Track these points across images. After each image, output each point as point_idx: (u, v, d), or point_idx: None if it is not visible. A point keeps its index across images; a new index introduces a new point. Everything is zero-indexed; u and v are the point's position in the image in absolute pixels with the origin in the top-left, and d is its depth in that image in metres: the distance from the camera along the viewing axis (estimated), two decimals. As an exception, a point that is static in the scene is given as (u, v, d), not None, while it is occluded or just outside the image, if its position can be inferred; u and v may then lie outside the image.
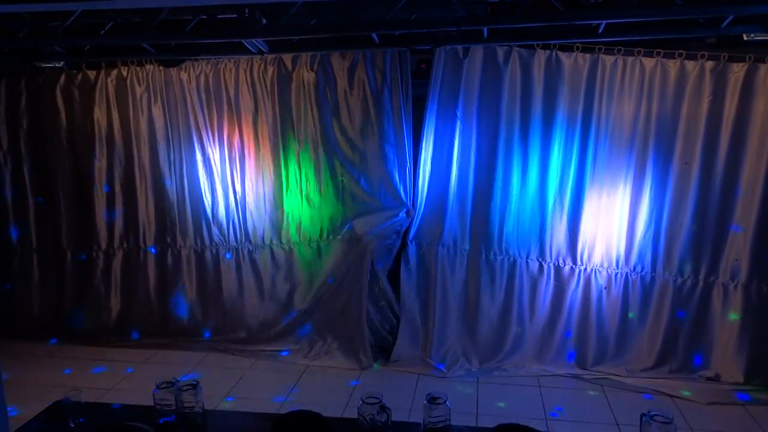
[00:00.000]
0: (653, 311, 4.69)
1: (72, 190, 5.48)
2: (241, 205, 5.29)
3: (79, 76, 5.26)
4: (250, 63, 4.99)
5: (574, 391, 4.57)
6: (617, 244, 4.71)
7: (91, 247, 5.52)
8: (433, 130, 4.82)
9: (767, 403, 4.31)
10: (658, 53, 4.37)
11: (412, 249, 5.03)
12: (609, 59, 4.46)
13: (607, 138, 4.57)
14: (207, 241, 5.38)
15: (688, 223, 4.53)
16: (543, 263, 4.87)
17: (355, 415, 2.48)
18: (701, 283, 4.59)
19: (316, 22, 4.24)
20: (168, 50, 4.88)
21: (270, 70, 4.98)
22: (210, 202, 5.32)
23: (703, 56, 4.30)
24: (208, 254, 5.40)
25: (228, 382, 4.68)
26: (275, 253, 5.32)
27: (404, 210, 4.97)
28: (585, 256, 4.78)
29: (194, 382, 2.54)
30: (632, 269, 4.70)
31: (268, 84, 5.02)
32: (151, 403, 2.54)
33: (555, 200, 4.75)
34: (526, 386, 4.62)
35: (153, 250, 5.48)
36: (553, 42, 4.45)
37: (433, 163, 4.89)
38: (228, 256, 5.38)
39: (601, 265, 4.76)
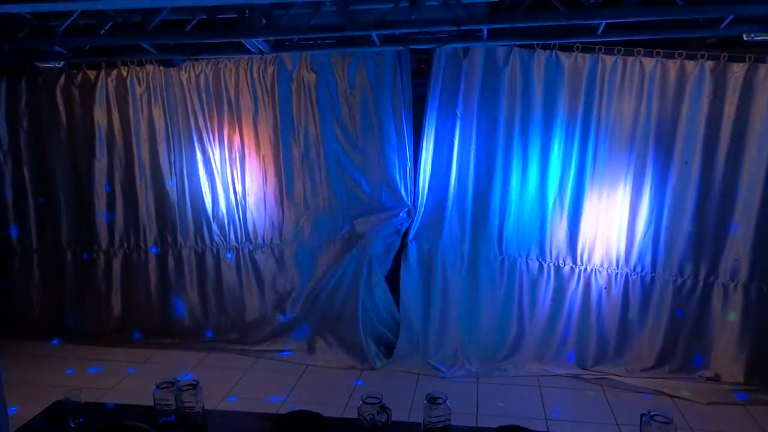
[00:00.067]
0: (653, 311, 4.69)
1: (72, 190, 5.49)
2: (242, 205, 5.29)
3: (79, 76, 5.26)
4: (250, 63, 4.99)
5: (574, 391, 4.57)
6: (617, 244, 4.71)
7: (92, 247, 5.52)
8: (433, 129, 4.82)
9: (767, 403, 4.31)
10: (658, 53, 4.37)
11: (412, 249, 5.03)
12: (609, 59, 4.46)
13: (607, 138, 4.57)
14: (207, 241, 5.38)
15: (688, 223, 4.53)
16: (543, 263, 4.87)
17: (355, 415, 2.48)
18: (701, 283, 4.59)
19: (316, 22, 4.24)
20: (168, 50, 4.88)
21: (270, 70, 4.99)
22: (210, 202, 5.32)
23: (703, 56, 4.30)
24: (208, 254, 5.40)
25: (228, 382, 4.68)
26: (276, 252, 5.32)
27: (405, 210, 4.98)
28: (585, 256, 4.78)
29: (194, 382, 2.54)
30: (632, 269, 4.70)
31: (268, 84, 5.02)
32: (151, 403, 2.54)
33: (555, 200, 4.75)
34: (526, 386, 4.62)
35: (153, 250, 5.48)
36: (553, 42, 4.45)
37: (433, 163, 4.89)
38: (228, 255, 5.38)
39: (601, 265, 4.76)
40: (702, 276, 4.58)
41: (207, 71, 5.08)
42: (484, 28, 4.25)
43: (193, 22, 4.22)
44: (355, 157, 5.03)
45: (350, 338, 4.98)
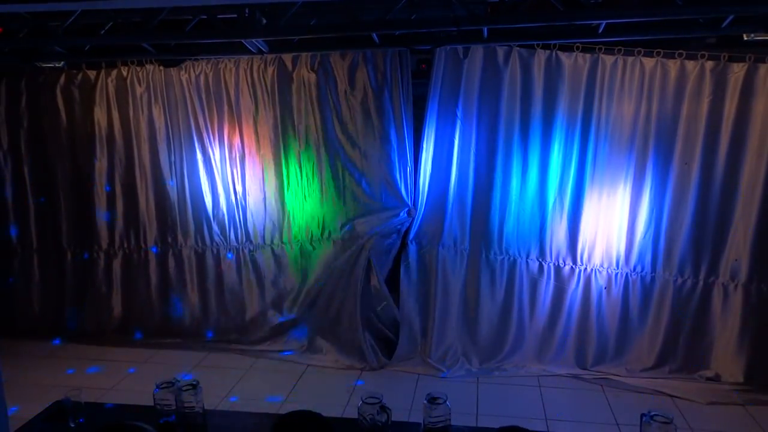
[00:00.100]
0: (653, 311, 4.69)
1: (72, 190, 5.48)
2: (242, 205, 5.29)
3: (79, 76, 5.26)
4: (250, 63, 4.99)
5: (574, 391, 4.57)
6: (617, 244, 4.71)
7: (92, 247, 5.52)
8: (433, 130, 4.82)
9: (767, 403, 4.31)
10: (658, 53, 4.37)
11: (412, 249, 5.03)
12: (609, 59, 4.46)
13: (607, 138, 4.57)
14: (208, 241, 5.38)
15: (688, 223, 4.52)
16: (543, 263, 4.87)
17: (355, 415, 2.48)
18: (701, 283, 4.59)
19: (316, 22, 4.24)
20: (168, 50, 4.88)
21: (270, 70, 4.98)
22: (211, 202, 5.32)
23: (703, 56, 4.30)
24: (209, 254, 5.40)
25: (228, 382, 4.68)
26: (276, 253, 5.32)
27: (405, 210, 4.98)
28: (585, 256, 4.78)
29: (194, 382, 2.54)
30: (632, 269, 4.70)
31: (268, 84, 5.02)
32: (151, 403, 2.54)
33: (555, 200, 4.75)
34: (526, 386, 4.62)
35: (154, 250, 5.48)
36: (553, 42, 4.45)
37: (433, 163, 4.89)
38: (229, 255, 5.38)
39: (601, 265, 4.76)
40: (702, 276, 4.58)
41: (207, 71, 5.08)
42: (484, 28, 4.26)
43: (193, 22, 4.22)
44: (355, 157, 5.03)
45: (350, 338, 4.98)
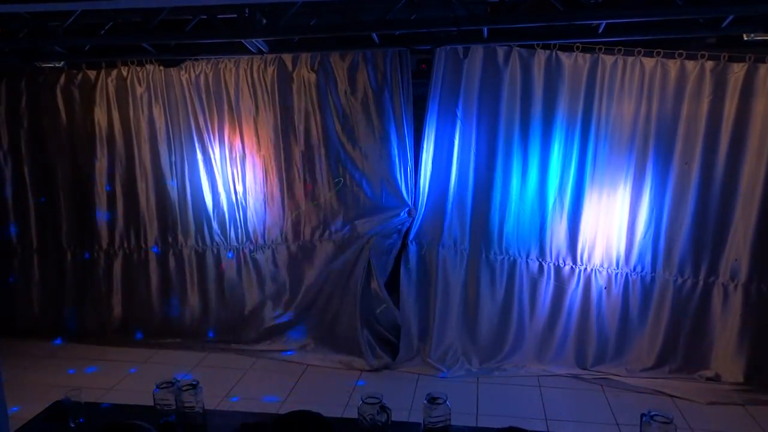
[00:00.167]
0: (653, 311, 4.69)
1: (72, 190, 5.48)
2: (242, 205, 5.29)
3: (79, 76, 5.26)
4: (250, 63, 4.99)
5: (574, 391, 4.57)
6: (617, 244, 4.71)
7: (92, 247, 5.52)
8: (433, 130, 4.82)
9: (767, 403, 4.31)
10: (658, 53, 4.37)
11: (412, 249, 5.03)
12: (609, 59, 4.46)
13: (607, 138, 4.57)
14: (208, 241, 5.38)
15: (688, 223, 4.52)
16: (543, 263, 4.86)
17: (355, 415, 2.48)
18: (701, 283, 4.59)
19: (316, 22, 4.24)
20: (168, 50, 4.88)
21: (270, 70, 4.98)
22: (211, 202, 5.32)
23: (703, 56, 4.30)
24: (209, 254, 5.40)
25: (228, 382, 4.68)
26: (276, 253, 5.32)
27: (406, 210, 4.97)
28: (585, 256, 4.78)
29: (194, 382, 2.54)
30: (632, 269, 4.70)
31: (268, 84, 5.02)
32: (151, 403, 2.54)
33: (555, 200, 4.75)
34: (526, 386, 4.62)
35: (154, 250, 5.48)
36: (553, 42, 4.45)
37: (433, 163, 4.89)
38: (229, 255, 5.38)
39: (601, 265, 4.76)
40: (702, 276, 4.58)
41: (207, 71, 5.08)
42: (484, 28, 4.26)
43: (193, 22, 4.22)
44: (355, 157, 5.03)
45: (350, 338, 4.98)
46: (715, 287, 4.57)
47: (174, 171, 5.32)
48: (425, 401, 2.45)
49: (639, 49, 4.39)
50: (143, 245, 5.47)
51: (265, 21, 4.12)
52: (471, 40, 4.50)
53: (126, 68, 5.18)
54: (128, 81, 5.19)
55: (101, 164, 5.37)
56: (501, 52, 4.60)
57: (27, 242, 5.62)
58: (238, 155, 5.21)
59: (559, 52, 4.51)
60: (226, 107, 5.13)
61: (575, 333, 4.84)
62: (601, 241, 4.74)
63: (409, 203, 4.98)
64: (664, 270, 4.64)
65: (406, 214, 4.97)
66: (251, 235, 5.33)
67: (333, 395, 4.41)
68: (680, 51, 4.33)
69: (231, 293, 5.41)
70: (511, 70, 4.61)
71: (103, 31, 4.31)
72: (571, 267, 4.81)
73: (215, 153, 5.23)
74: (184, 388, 2.51)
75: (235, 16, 4.07)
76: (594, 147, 4.60)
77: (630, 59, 4.43)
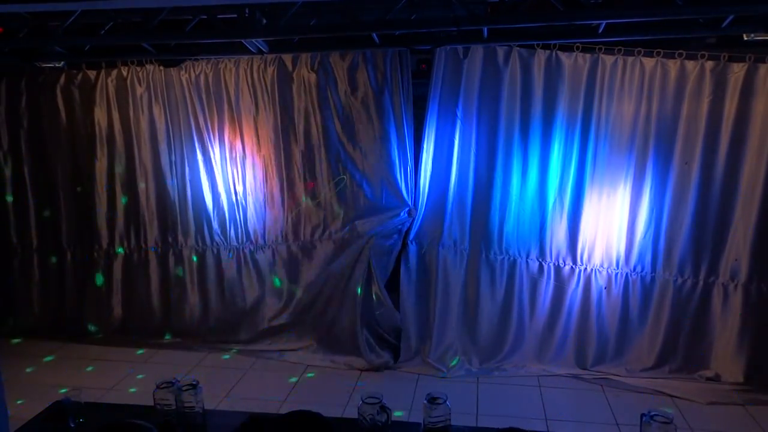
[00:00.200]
0: (653, 311, 4.69)
1: (72, 190, 5.48)
2: (242, 205, 5.29)
3: (79, 76, 5.26)
4: (250, 63, 4.99)
5: (574, 391, 4.57)
6: (617, 244, 4.71)
7: (92, 247, 5.52)
8: (433, 130, 4.82)
9: (767, 403, 4.31)
10: (658, 53, 4.37)
11: (412, 249, 5.03)
12: (609, 59, 4.46)
13: (607, 138, 4.57)
14: (208, 241, 5.38)
15: (688, 223, 4.52)
16: (543, 263, 4.87)
17: (355, 415, 2.48)
18: (701, 283, 4.59)
19: (316, 22, 4.24)
20: (168, 50, 4.88)
21: (270, 70, 4.98)
22: (211, 202, 5.32)
23: (703, 56, 4.30)
24: (209, 254, 5.40)
25: (228, 382, 4.68)
26: (276, 253, 5.32)
27: (406, 210, 4.97)
28: (585, 256, 4.78)
29: (194, 382, 2.54)
30: (632, 269, 4.70)
31: (268, 84, 5.02)
32: (151, 403, 2.54)
33: (555, 200, 4.75)
34: (526, 386, 4.62)
35: (154, 250, 5.48)
36: (553, 42, 4.45)
37: (433, 163, 4.89)
38: (229, 255, 5.38)
39: (601, 265, 4.76)
40: (702, 276, 4.58)
41: (207, 71, 5.08)
42: (484, 28, 4.26)
43: (193, 22, 4.22)
44: (355, 158, 5.03)
45: (350, 338, 4.98)
46: (715, 287, 4.57)
47: (174, 171, 5.32)
48: (425, 401, 2.45)
49: (639, 49, 4.39)
50: (143, 245, 5.47)
51: (265, 21, 4.12)
52: (471, 40, 4.51)
53: (126, 68, 5.18)
54: (128, 81, 5.19)
55: (101, 164, 5.37)
56: (501, 52, 4.60)
57: (27, 242, 5.62)
58: (238, 155, 5.21)
59: (559, 52, 4.51)
60: (226, 107, 5.13)
61: (575, 333, 4.84)
62: (601, 241, 4.74)
63: (409, 203, 4.98)
64: (664, 270, 4.64)
65: (406, 214, 4.97)
66: (251, 235, 5.33)
67: (333, 395, 4.41)
68: (680, 51, 4.33)
69: (231, 293, 5.41)
70: (511, 70, 4.61)
71: (103, 31, 4.31)
72: (571, 267, 4.81)
73: (215, 153, 5.23)
74: (184, 388, 2.51)
75: (235, 16, 4.07)
76: (594, 147, 4.60)
77: (630, 59, 4.43)
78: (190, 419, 2.51)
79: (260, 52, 4.66)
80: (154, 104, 5.22)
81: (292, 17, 4.11)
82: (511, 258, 4.90)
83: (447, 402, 2.45)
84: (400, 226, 5.00)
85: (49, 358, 5.16)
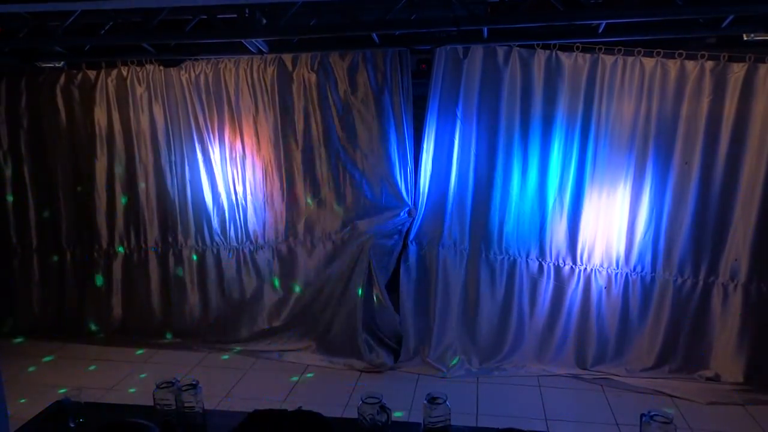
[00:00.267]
0: (653, 311, 4.69)
1: (72, 190, 5.48)
2: (242, 205, 5.30)
3: (79, 76, 5.26)
4: (250, 63, 4.99)
5: (574, 391, 4.57)
6: (617, 244, 4.70)
7: (92, 247, 5.52)
8: (433, 130, 4.82)
9: (767, 403, 4.31)
10: (658, 53, 4.37)
11: (412, 249, 5.03)
12: (609, 59, 4.46)
13: (607, 138, 4.57)
14: (208, 241, 5.38)
15: (688, 223, 4.52)
16: (543, 263, 4.86)
17: (355, 415, 2.48)
18: (701, 283, 4.59)
19: (316, 22, 4.24)
20: (168, 50, 4.88)
21: (270, 70, 4.98)
22: (211, 202, 5.32)
23: (703, 56, 4.30)
24: (209, 254, 5.40)
25: (228, 382, 4.68)
26: (276, 252, 5.32)
27: (406, 210, 4.97)
28: (585, 256, 4.78)
29: (194, 382, 2.54)
30: (632, 269, 4.70)
31: (268, 84, 5.02)
32: (151, 403, 2.54)
33: (555, 200, 4.75)
34: (526, 386, 4.62)
35: (154, 250, 5.48)
36: (553, 42, 4.45)
37: (433, 163, 4.89)
38: (229, 255, 5.38)
39: (601, 265, 4.76)
40: (702, 276, 4.58)
41: (207, 71, 5.08)
42: (484, 28, 4.26)
43: (193, 22, 4.22)
44: (355, 158, 5.03)
45: (350, 338, 4.97)
46: (715, 287, 4.57)
47: (174, 171, 5.32)
48: (425, 401, 2.45)
49: (639, 49, 4.39)
50: (143, 245, 5.47)
51: (265, 21, 4.12)
52: (471, 40, 4.51)
53: (126, 68, 5.18)
54: (128, 81, 5.19)
55: (101, 164, 5.37)
56: (501, 52, 4.60)
57: (27, 242, 5.62)
58: (238, 155, 5.21)
59: (559, 52, 4.51)
60: (226, 107, 5.13)
61: (575, 333, 4.84)
62: (601, 241, 4.74)
63: (409, 203, 4.97)
64: (664, 270, 4.64)
65: (406, 214, 4.97)
66: (251, 234, 5.33)
67: (333, 395, 4.41)
68: (680, 51, 4.32)
69: (231, 293, 5.41)
70: (511, 70, 4.61)
71: (103, 31, 4.31)
72: (571, 267, 4.81)
73: (215, 153, 5.23)
74: (184, 388, 2.51)
75: (235, 16, 4.08)
76: (594, 147, 4.60)
77: (630, 59, 4.43)
78: (190, 419, 2.51)
79: (260, 52, 4.66)
80: (154, 104, 5.22)
81: (292, 17, 4.11)
82: (511, 258, 4.90)
83: (447, 402, 2.45)
84: (400, 227, 5.00)
85: (48, 358, 5.15)
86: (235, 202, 5.30)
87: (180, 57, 5.01)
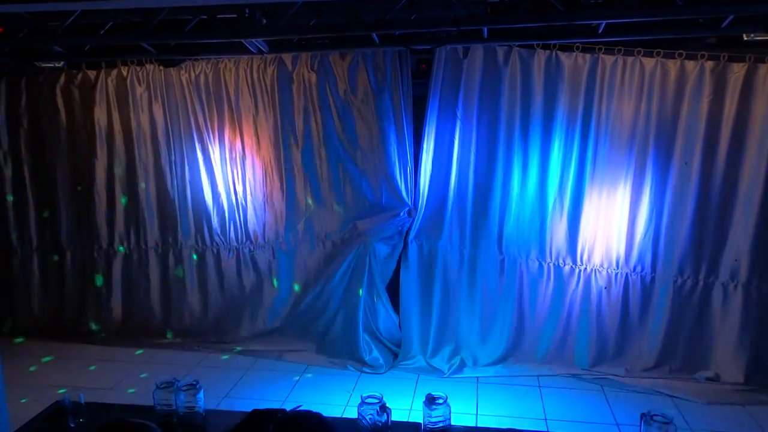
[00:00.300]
0: (653, 311, 4.69)
1: (72, 189, 5.48)
2: (242, 205, 5.30)
3: (79, 76, 5.26)
4: (250, 63, 4.99)
5: (574, 391, 4.57)
6: (617, 244, 4.70)
7: (92, 247, 5.52)
8: (433, 129, 4.82)
9: (767, 403, 4.31)
10: (658, 53, 4.37)
11: (412, 249, 5.03)
12: (609, 59, 4.46)
13: (607, 138, 4.57)
14: (208, 241, 5.38)
15: (688, 223, 4.52)
16: (543, 263, 4.86)
17: (355, 415, 2.48)
18: (701, 283, 4.59)
19: (316, 22, 4.24)
20: (168, 50, 4.88)
21: (270, 70, 4.98)
22: (211, 202, 5.32)
23: (703, 56, 4.30)
24: (209, 254, 5.40)
25: (228, 382, 4.68)
26: (276, 253, 5.32)
27: (406, 210, 4.97)
28: (585, 256, 4.78)
29: (194, 382, 2.54)
30: (632, 269, 4.70)
31: (268, 84, 5.02)
32: (151, 403, 2.54)
33: (555, 200, 4.75)
34: (526, 386, 4.62)
35: (154, 250, 5.47)
36: (553, 42, 4.45)
37: (433, 163, 4.88)
38: (229, 255, 5.38)
39: (601, 265, 4.76)
40: (702, 276, 4.58)
41: (207, 71, 5.08)
42: (484, 28, 4.26)
43: (193, 22, 4.22)
44: (355, 157, 5.03)
45: (350, 338, 4.97)
46: (715, 287, 4.57)
47: (174, 171, 5.32)
48: (425, 401, 2.45)
49: (639, 49, 4.39)
50: (143, 245, 5.47)
51: (265, 21, 4.12)
52: (471, 40, 4.51)
53: (126, 68, 5.18)
54: (128, 81, 5.19)
55: (101, 164, 5.37)
56: (501, 52, 4.60)
57: (27, 242, 5.62)
58: (237, 155, 5.22)
59: (559, 52, 4.51)
60: (226, 107, 5.13)
61: (575, 333, 4.84)
62: (601, 241, 4.74)
63: (409, 203, 4.97)
64: (664, 270, 4.64)
65: (405, 214, 4.97)
66: (251, 234, 5.33)
67: (333, 395, 4.41)
68: (680, 51, 4.32)
69: (231, 293, 5.41)
70: (511, 70, 4.60)
71: (103, 31, 4.31)
72: (571, 267, 4.81)
73: (215, 153, 5.24)
74: (184, 388, 2.51)
75: (235, 16, 4.07)
76: (594, 147, 4.60)
77: (630, 59, 4.43)
78: (190, 419, 2.51)
79: (260, 52, 4.66)
80: (154, 104, 5.22)
81: (292, 17, 4.11)
82: (511, 258, 4.90)
83: (447, 402, 2.45)
84: (400, 228, 4.98)
85: (48, 358, 5.15)
86: (235, 202, 5.30)
87: (180, 57, 5.01)
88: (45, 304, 5.67)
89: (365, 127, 4.95)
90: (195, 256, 5.42)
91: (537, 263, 4.88)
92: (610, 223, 4.70)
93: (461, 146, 4.81)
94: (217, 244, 5.38)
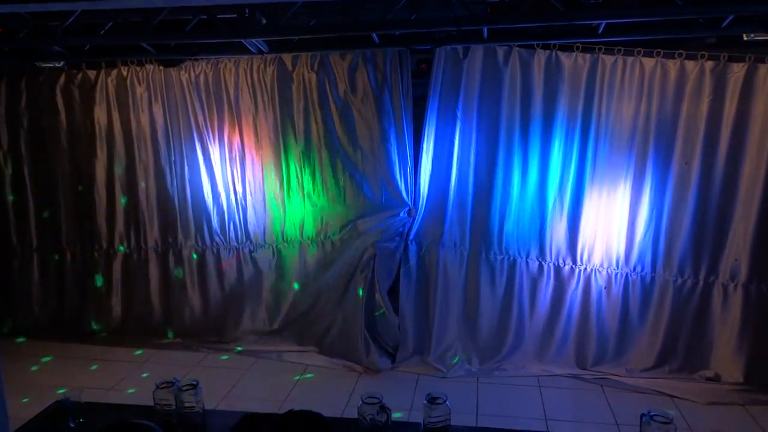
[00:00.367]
0: (653, 311, 4.69)
1: (72, 189, 5.48)
2: (242, 205, 5.30)
3: (79, 76, 5.26)
4: (250, 63, 4.99)
5: (574, 391, 4.57)
6: (617, 244, 4.70)
7: (92, 247, 5.52)
8: (433, 130, 4.82)
9: (767, 403, 4.31)
10: (658, 53, 4.37)
11: (412, 249, 5.03)
12: (609, 59, 4.46)
13: (607, 138, 4.57)
14: (208, 241, 5.38)
15: (688, 223, 4.52)
16: (543, 263, 4.86)
17: (355, 415, 2.48)
18: (701, 283, 4.58)
19: (316, 22, 4.24)
20: (168, 50, 4.88)
21: (270, 70, 4.98)
22: (211, 202, 5.32)
23: (703, 56, 4.29)
24: (209, 254, 5.40)
25: (228, 382, 4.68)
26: (276, 253, 5.32)
27: (406, 210, 4.97)
28: (585, 256, 4.78)
29: (194, 382, 2.54)
30: (632, 269, 4.70)
31: (268, 84, 5.02)
32: (151, 403, 2.54)
33: (555, 200, 4.75)
34: (526, 386, 4.62)
35: (154, 250, 5.47)
36: (553, 42, 4.45)
37: (433, 163, 4.88)
38: (229, 255, 5.38)
39: (601, 265, 4.76)
40: (702, 276, 4.58)
41: (207, 71, 5.08)
42: (484, 28, 4.26)
43: (193, 22, 4.22)
44: (355, 158, 5.03)
45: (350, 338, 4.97)
46: (715, 287, 4.57)
47: (174, 171, 5.32)
48: (425, 401, 2.45)
49: (639, 49, 4.38)
50: (143, 245, 5.47)
51: (265, 21, 4.12)
52: (471, 40, 4.51)
53: (126, 68, 5.18)
54: (128, 81, 5.19)
55: (101, 164, 5.37)
56: (501, 52, 4.59)
57: (27, 242, 5.62)
58: (237, 155, 5.22)
59: (559, 52, 4.51)
60: (226, 107, 5.13)
61: (575, 333, 4.84)
62: (600, 241, 4.74)
63: (409, 203, 4.97)
64: (664, 270, 4.64)
65: (406, 214, 4.97)
66: (251, 234, 5.33)
67: (333, 395, 4.41)
68: (680, 51, 4.32)
69: (231, 293, 5.41)
70: (511, 70, 4.60)
71: (103, 31, 4.31)
72: (571, 267, 4.81)
73: (215, 153, 5.24)
74: (184, 388, 2.51)
75: (235, 16, 4.07)
76: (594, 147, 4.60)
77: (630, 59, 4.42)
78: (190, 419, 2.51)
79: (260, 52, 4.66)
80: (154, 104, 5.22)
81: (292, 17, 4.11)
82: (511, 258, 4.90)
83: (447, 402, 2.45)
84: (401, 228, 4.98)
85: (48, 358, 5.15)
86: (234, 201, 5.30)
87: (180, 57, 5.01)
88: (45, 304, 5.67)
89: (365, 127, 4.95)
90: (195, 256, 5.42)
91: (537, 263, 4.88)
92: (610, 223, 4.70)
93: (461, 146, 4.81)
94: (217, 244, 5.39)
